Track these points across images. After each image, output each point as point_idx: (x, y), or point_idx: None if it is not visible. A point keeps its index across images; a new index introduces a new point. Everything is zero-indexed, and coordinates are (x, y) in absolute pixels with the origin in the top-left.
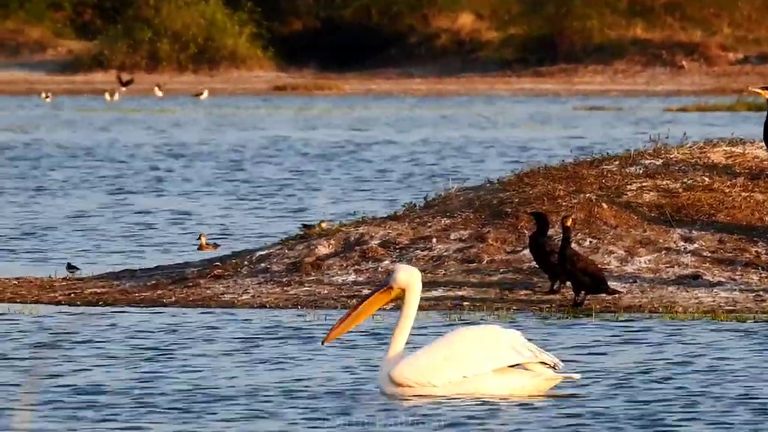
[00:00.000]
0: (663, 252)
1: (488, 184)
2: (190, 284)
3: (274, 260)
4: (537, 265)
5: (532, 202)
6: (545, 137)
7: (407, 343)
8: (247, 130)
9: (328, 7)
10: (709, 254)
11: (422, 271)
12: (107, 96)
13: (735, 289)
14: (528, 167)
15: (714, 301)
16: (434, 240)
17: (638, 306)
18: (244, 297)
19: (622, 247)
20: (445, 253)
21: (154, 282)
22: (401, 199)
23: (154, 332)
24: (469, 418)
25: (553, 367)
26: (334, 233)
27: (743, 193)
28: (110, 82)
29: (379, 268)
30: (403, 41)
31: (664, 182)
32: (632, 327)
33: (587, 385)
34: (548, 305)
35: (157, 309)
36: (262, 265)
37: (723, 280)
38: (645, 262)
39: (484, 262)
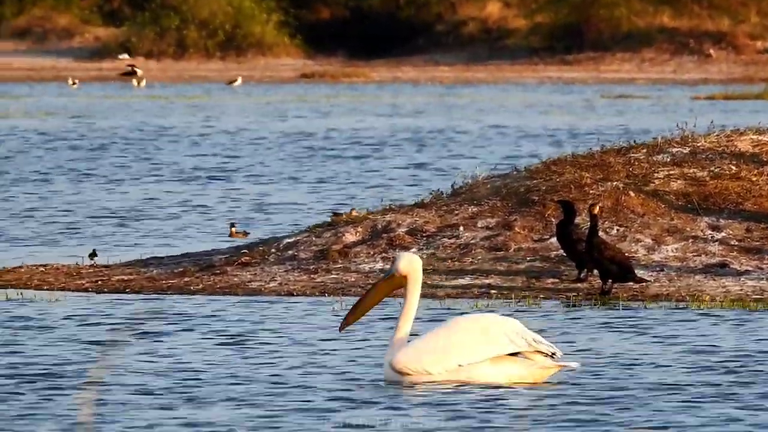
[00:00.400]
0: (690, 240)
1: (515, 172)
2: (218, 272)
3: (302, 248)
4: (564, 254)
5: (560, 190)
6: (572, 125)
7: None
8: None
9: None
10: (736, 243)
11: (449, 259)
12: (134, 82)
13: (762, 278)
14: (555, 155)
15: (741, 289)
16: (461, 228)
17: (665, 295)
18: (272, 284)
19: (650, 236)
20: (472, 241)
21: (181, 269)
22: (428, 187)
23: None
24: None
25: (551, 356)
26: (362, 221)
27: None
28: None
29: None
30: (430, 29)
31: (691, 170)
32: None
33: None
34: (575, 294)
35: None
36: (290, 252)
37: (750, 268)
38: (672, 251)
39: (511, 250)
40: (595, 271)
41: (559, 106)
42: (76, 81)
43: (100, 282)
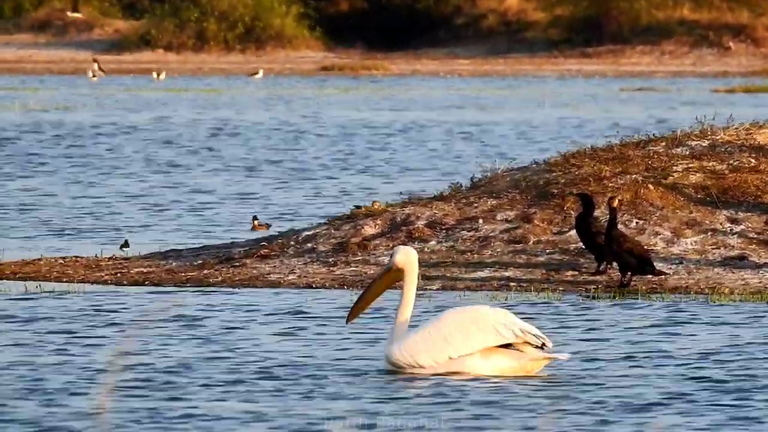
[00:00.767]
0: (709, 233)
1: (535, 165)
2: (237, 264)
3: (321, 240)
4: (583, 246)
5: (579, 182)
6: (592, 118)
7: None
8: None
9: None
10: (755, 235)
11: (468, 251)
12: (154, 75)
13: None
14: (574, 148)
15: (760, 282)
16: (481, 221)
17: (684, 287)
18: (291, 277)
19: (669, 229)
20: (491, 234)
21: (200, 262)
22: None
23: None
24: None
25: (542, 347)
26: (381, 213)
27: None
28: (158, 61)
29: (426, 249)
30: (450, 22)
31: (711, 163)
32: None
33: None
34: (594, 286)
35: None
36: (309, 245)
37: None
38: (691, 244)
39: (531, 242)
40: (614, 264)
41: (579, 98)
42: (96, 73)
43: (119, 274)
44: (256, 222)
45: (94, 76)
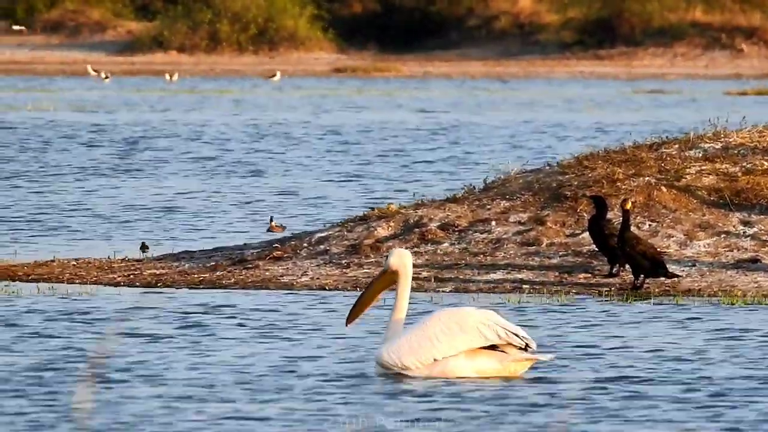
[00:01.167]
0: (722, 236)
1: (548, 167)
2: (250, 266)
3: (334, 242)
4: (596, 249)
5: (592, 185)
6: (604, 120)
7: None
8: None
9: None
10: (767, 238)
11: (481, 253)
12: (167, 77)
13: None
14: (587, 150)
15: None
16: (493, 223)
17: (697, 290)
18: (303, 279)
19: (681, 231)
20: (504, 236)
21: (213, 263)
22: (461, 182)
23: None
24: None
25: (526, 348)
26: (394, 215)
27: None
28: (170, 62)
29: (438, 251)
30: (462, 24)
31: (723, 166)
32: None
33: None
34: (607, 288)
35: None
36: (321, 247)
37: None
38: (704, 246)
39: (544, 245)
40: (627, 266)
41: (591, 101)
42: (109, 75)
43: (132, 276)
44: (273, 223)
45: (106, 77)
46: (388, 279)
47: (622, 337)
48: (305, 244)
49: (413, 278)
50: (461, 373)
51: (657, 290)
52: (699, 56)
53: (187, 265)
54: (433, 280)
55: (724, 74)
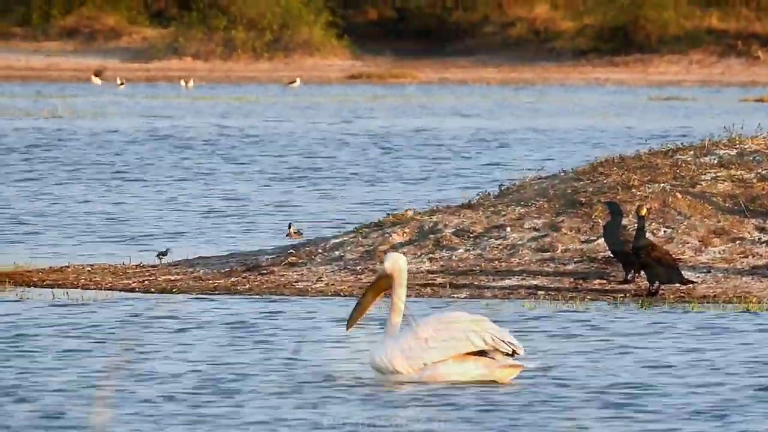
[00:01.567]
0: (737, 242)
1: (562, 173)
2: (264, 272)
3: (348, 248)
4: (611, 255)
5: (607, 191)
6: (619, 127)
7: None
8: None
9: None
10: None
11: (496, 260)
12: (183, 83)
13: None
14: (602, 157)
15: None
16: (508, 229)
17: (712, 296)
18: (318, 285)
19: (696, 237)
20: (519, 242)
21: (228, 269)
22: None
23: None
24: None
25: (513, 354)
26: (408, 221)
27: None
28: (186, 69)
29: (453, 257)
30: (478, 30)
31: (739, 172)
32: None
33: None
34: (622, 295)
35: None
36: (336, 253)
37: None
38: (719, 252)
39: (558, 251)
40: (642, 273)
41: (607, 107)
42: (124, 81)
43: (146, 282)
44: (291, 230)
45: (121, 83)
46: (384, 283)
47: (635, 344)
48: (320, 250)
49: (428, 284)
50: (450, 378)
51: (672, 297)
52: (715, 63)
53: (201, 271)
54: (448, 286)
55: (740, 81)
